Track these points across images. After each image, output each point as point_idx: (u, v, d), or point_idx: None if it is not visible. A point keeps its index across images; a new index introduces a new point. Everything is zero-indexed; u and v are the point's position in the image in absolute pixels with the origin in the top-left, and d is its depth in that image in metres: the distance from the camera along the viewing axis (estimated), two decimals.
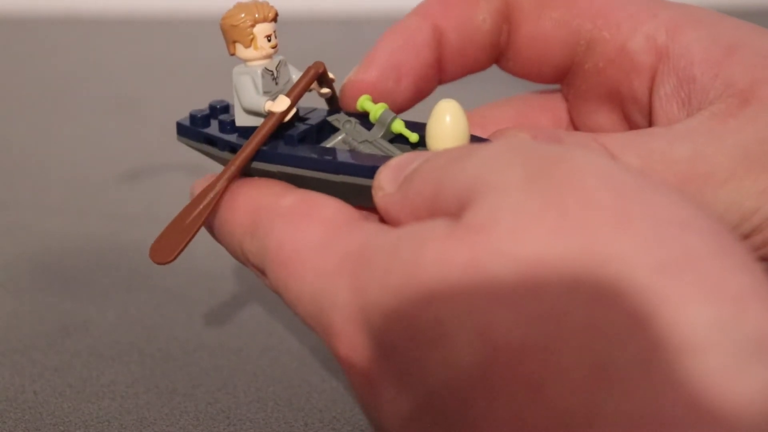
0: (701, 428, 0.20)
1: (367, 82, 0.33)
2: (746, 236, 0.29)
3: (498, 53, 0.35)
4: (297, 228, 0.29)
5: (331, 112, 0.34)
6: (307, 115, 0.33)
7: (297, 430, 0.36)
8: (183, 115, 0.35)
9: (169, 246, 0.30)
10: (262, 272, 0.30)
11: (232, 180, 0.31)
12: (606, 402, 0.21)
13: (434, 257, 0.24)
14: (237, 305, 0.46)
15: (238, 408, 0.38)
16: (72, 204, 0.57)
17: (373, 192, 0.28)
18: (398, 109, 0.34)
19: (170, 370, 0.40)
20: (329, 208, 0.29)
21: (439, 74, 0.35)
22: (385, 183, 0.28)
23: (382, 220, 0.29)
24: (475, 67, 0.35)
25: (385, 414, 0.26)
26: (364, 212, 0.30)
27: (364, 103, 0.32)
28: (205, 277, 0.48)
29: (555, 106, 0.37)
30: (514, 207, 0.23)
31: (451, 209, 0.25)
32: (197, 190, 0.32)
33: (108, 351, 0.42)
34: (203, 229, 0.32)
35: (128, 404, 0.38)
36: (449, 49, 0.34)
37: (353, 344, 0.26)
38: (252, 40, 0.31)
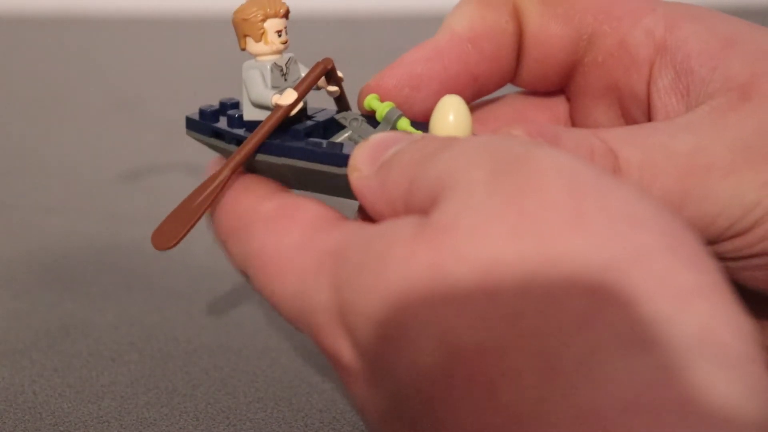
0: (633, 425, 0.21)
1: (383, 88, 0.33)
2: (748, 229, 0.29)
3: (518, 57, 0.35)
4: (276, 232, 0.29)
5: (339, 112, 0.34)
6: (316, 114, 0.33)
7: (297, 430, 0.36)
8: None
9: (170, 233, 0.30)
10: (245, 275, 0.30)
11: (235, 170, 0.31)
12: (552, 401, 0.21)
13: (400, 258, 0.24)
14: (237, 305, 0.46)
15: (238, 408, 0.38)
16: (72, 204, 0.57)
17: (349, 171, 0.28)
18: (417, 119, 0.33)
19: (170, 370, 0.40)
20: (309, 210, 0.29)
21: (475, 87, 0.34)
22: (361, 164, 0.28)
23: (365, 219, 0.29)
24: (509, 74, 0.35)
25: (366, 410, 0.26)
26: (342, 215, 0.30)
27: (371, 101, 0.32)
28: (205, 277, 0.48)
29: (553, 105, 0.37)
30: (475, 208, 0.24)
31: (423, 204, 0.26)
32: (212, 168, 0.32)
33: (108, 351, 0.42)
34: (204, 227, 0.32)
35: (128, 404, 0.38)
36: (484, 58, 0.34)
37: (335, 342, 0.26)
38: (262, 34, 0.31)
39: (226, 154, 0.33)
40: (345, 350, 0.26)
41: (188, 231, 0.30)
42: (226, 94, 0.34)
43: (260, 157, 0.32)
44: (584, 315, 0.22)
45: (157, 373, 0.40)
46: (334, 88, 0.33)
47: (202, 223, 0.31)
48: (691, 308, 0.22)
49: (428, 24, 0.35)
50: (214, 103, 0.34)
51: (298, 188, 0.33)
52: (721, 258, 0.30)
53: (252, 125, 0.32)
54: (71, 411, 0.37)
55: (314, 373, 0.40)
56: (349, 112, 0.33)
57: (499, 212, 0.23)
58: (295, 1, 0.32)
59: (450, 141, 0.27)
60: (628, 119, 0.34)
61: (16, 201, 0.58)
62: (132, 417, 0.37)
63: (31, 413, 0.37)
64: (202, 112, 0.34)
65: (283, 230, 0.29)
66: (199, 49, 0.90)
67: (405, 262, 0.24)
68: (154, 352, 0.42)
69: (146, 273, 0.48)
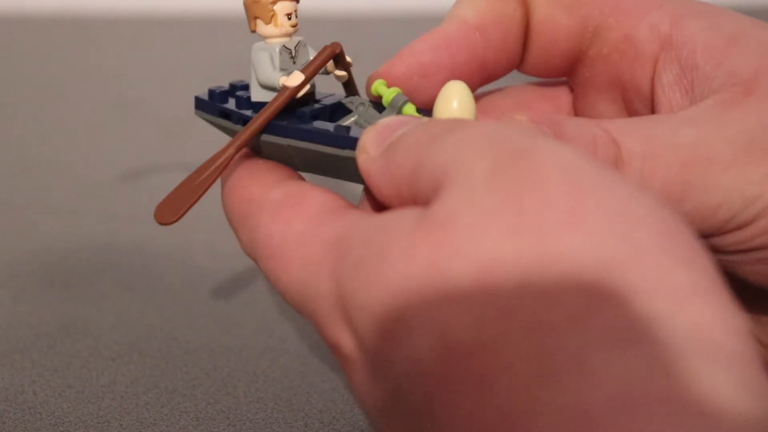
0: (624, 422, 0.21)
1: (392, 76, 0.33)
2: (749, 222, 0.29)
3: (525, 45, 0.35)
4: (282, 220, 0.29)
5: (347, 96, 0.34)
6: (324, 98, 0.34)
7: (297, 430, 0.36)
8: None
9: (173, 207, 0.31)
10: (255, 261, 0.31)
11: (240, 149, 0.31)
12: (544, 398, 0.21)
13: (400, 255, 0.24)
14: (237, 305, 0.46)
15: (238, 408, 0.38)
16: (72, 204, 0.57)
17: (357, 153, 0.29)
18: (425, 106, 0.34)
19: (170, 370, 0.40)
20: (315, 199, 0.29)
21: (483, 74, 0.35)
22: (369, 146, 0.28)
23: (371, 201, 0.29)
24: (515, 60, 0.35)
25: (366, 401, 0.27)
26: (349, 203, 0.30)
27: (378, 87, 0.33)
28: (205, 277, 0.48)
29: (556, 96, 0.37)
30: (475, 205, 0.24)
31: (426, 191, 0.26)
32: None
33: (108, 351, 0.42)
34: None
35: (128, 404, 0.38)
36: (492, 45, 0.34)
37: (336, 333, 0.27)
38: (272, 16, 0.32)
39: (233, 134, 0.33)
40: (346, 341, 0.26)
41: (190, 207, 0.31)
42: None
43: (266, 138, 0.32)
44: (579, 313, 0.22)
45: (157, 373, 0.40)
46: (342, 73, 0.33)
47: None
48: (686, 307, 0.22)
49: (428, 24, 0.35)
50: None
51: (303, 171, 0.33)
52: (722, 251, 0.30)
53: (260, 106, 0.32)
54: (71, 411, 0.37)
55: (314, 373, 0.40)
56: (356, 97, 0.34)
57: (498, 210, 0.24)
58: (300, 2, 0.32)
59: (455, 125, 0.27)
60: (632, 113, 0.34)
61: (16, 201, 0.58)
62: (132, 417, 0.37)
63: (31, 413, 0.37)
64: (211, 93, 0.34)
65: (288, 219, 0.29)
66: (199, 49, 0.90)
67: (404, 260, 0.24)
68: (154, 352, 0.42)
69: (146, 273, 0.48)
